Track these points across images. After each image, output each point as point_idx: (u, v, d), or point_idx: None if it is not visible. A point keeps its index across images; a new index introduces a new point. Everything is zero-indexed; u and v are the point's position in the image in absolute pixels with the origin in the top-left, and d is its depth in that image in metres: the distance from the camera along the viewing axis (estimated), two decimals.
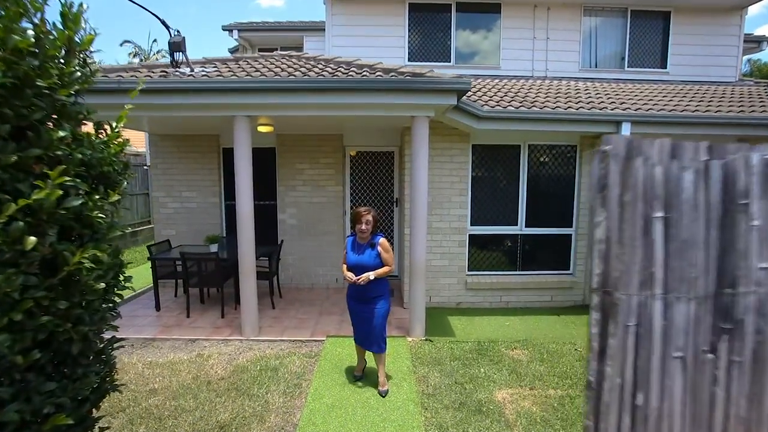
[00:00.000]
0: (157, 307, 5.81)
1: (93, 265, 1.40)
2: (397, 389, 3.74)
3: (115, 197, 1.58)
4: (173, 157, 6.92)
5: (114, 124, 1.72)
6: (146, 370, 4.08)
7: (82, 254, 1.34)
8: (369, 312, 3.58)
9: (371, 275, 3.42)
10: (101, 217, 1.48)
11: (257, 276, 5.08)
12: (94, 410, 1.72)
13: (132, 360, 4.30)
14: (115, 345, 1.80)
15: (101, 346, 1.72)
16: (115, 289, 1.70)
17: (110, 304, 1.72)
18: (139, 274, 7.64)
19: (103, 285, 1.48)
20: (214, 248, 5.80)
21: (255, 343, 4.73)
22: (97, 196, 1.49)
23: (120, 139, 1.73)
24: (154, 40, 27.33)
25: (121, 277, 1.72)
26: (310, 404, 3.48)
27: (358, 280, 3.41)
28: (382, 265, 3.50)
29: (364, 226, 3.44)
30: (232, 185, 4.75)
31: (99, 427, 1.74)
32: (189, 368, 4.11)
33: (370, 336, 3.64)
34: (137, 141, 17.12)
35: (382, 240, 3.55)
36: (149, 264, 5.77)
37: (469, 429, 3.16)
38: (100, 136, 1.74)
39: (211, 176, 6.96)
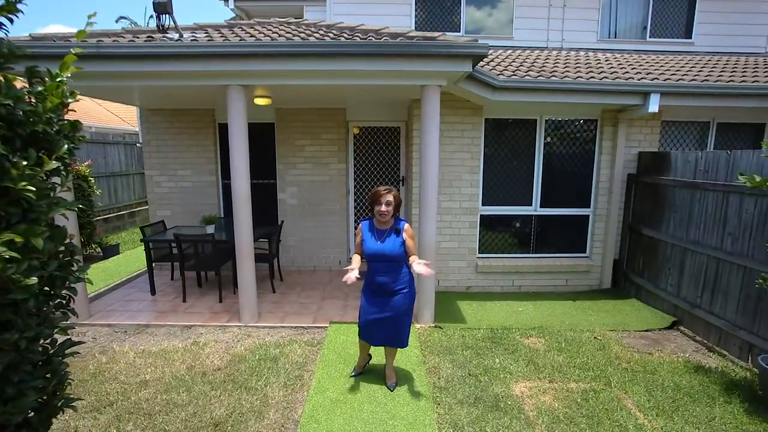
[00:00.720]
0: (153, 292, 5.54)
1: (14, 255, 1.06)
2: (406, 381, 3.46)
3: (51, 165, 1.23)
4: (167, 134, 6.54)
5: (56, 72, 1.34)
6: (138, 359, 3.82)
7: None
8: (393, 307, 3.14)
9: (423, 263, 2.87)
10: (30, 190, 1.14)
11: (257, 258, 4.78)
12: None
13: (123, 348, 4.04)
14: (68, 351, 1.48)
15: (47, 354, 1.39)
16: (67, 282, 1.37)
17: (57, 301, 1.39)
18: (137, 257, 7.38)
19: (34, 280, 1.15)
20: (210, 229, 5.48)
21: (254, 330, 4.46)
22: (25, 163, 1.15)
23: (62, 88, 1.34)
24: (150, 16, 26.45)
25: (75, 267, 1.38)
26: (313, 398, 3.21)
27: (427, 270, 2.83)
28: (406, 256, 3.08)
29: (384, 207, 3.02)
30: (228, 163, 4.38)
31: None
32: (183, 357, 3.84)
33: (392, 332, 3.22)
34: (132, 119, 16.68)
35: (407, 226, 3.14)
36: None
37: (487, 427, 2.89)
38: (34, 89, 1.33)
39: (206, 153, 6.59)
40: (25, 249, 1.11)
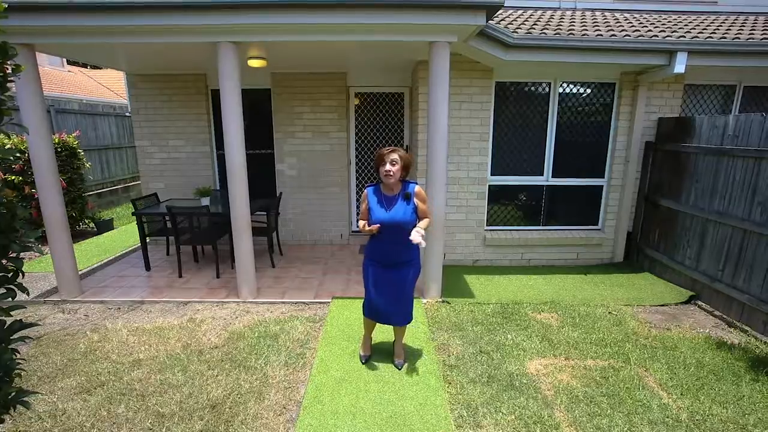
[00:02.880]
0: (147, 267, 5.32)
1: None
2: (414, 359, 3.27)
3: None
4: (156, 101, 6.16)
5: None
6: (131, 337, 3.62)
7: None
8: (398, 279, 2.91)
9: (423, 232, 2.67)
10: None
11: (255, 232, 4.53)
12: None
13: (116, 326, 3.84)
14: (16, 336, 1.22)
15: None
16: (8, 251, 1.11)
17: (1, 275, 1.12)
18: (132, 232, 7.14)
19: None
20: (205, 202, 5.22)
21: (253, 306, 4.26)
22: None
23: None
24: None
25: (18, 234, 1.11)
26: (316, 378, 3.03)
27: (421, 241, 2.61)
28: (418, 221, 2.81)
29: (388, 166, 2.69)
30: (223, 133, 4.06)
31: None
32: (179, 335, 3.64)
33: (396, 307, 2.98)
34: (123, 90, 16.11)
35: (418, 189, 2.83)
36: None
37: (503, 408, 2.71)
38: None
39: (199, 122, 6.23)
40: None
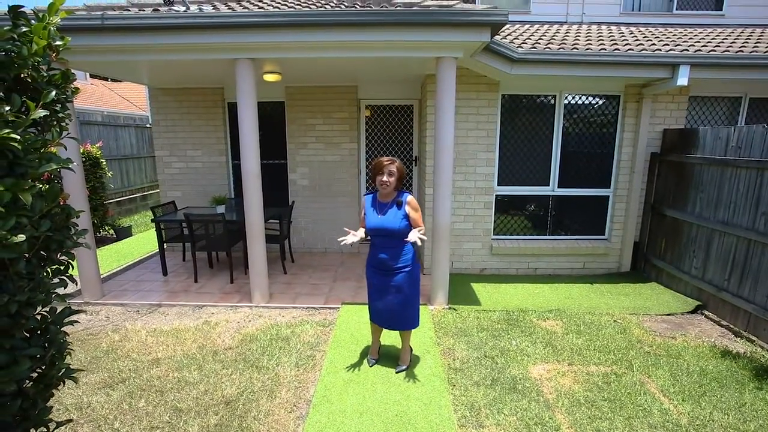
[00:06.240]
0: (164, 272, 5.53)
1: None
2: (420, 363, 3.38)
3: (39, 113, 1.12)
4: (176, 113, 6.45)
5: (43, 15, 1.21)
6: (150, 337, 3.80)
7: None
8: (394, 285, 3.01)
9: (419, 234, 2.73)
10: (14, 139, 1.03)
11: (267, 240, 4.71)
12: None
13: (136, 327, 4.02)
14: (66, 320, 1.40)
15: (46, 322, 1.31)
16: (63, 247, 1.27)
17: (56, 267, 1.30)
18: (149, 239, 7.40)
19: (22, 237, 1.05)
20: (220, 210, 5.42)
21: (265, 310, 4.42)
22: (8, 108, 1.04)
23: (49, 29, 1.19)
24: None
25: (73, 231, 1.28)
26: (325, 378, 3.15)
27: (420, 238, 2.71)
28: (410, 229, 2.89)
29: (386, 177, 2.85)
30: (239, 143, 4.27)
31: (56, 422, 1.38)
32: (195, 336, 3.81)
33: (396, 312, 3.07)
34: (143, 103, 16.68)
35: (410, 198, 2.96)
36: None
37: (505, 410, 2.80)
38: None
39: (216, 133, 6.49)
40: (13, 205, 1.02)
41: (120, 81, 17.58)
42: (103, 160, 7.50)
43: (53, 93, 1.17)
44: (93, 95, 14.92)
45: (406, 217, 2.92)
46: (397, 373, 3.24)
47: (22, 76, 1.13)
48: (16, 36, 1.14)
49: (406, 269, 3.01)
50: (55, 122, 1.25)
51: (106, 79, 18.79)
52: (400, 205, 2.93)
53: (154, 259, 6.18)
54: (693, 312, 4.50)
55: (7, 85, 1.11)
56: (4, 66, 1.08)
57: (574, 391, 3.01)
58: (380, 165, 2.89)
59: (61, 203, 1.24)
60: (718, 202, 4.34)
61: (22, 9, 1.17)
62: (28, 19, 1.18)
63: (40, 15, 1.20)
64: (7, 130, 1.00)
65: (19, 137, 1.03)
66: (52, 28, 1.20)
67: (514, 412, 2.77)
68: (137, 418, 2.70)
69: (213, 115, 6.44)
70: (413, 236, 2.74)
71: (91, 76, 16.72)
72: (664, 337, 3.90)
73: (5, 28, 1.10)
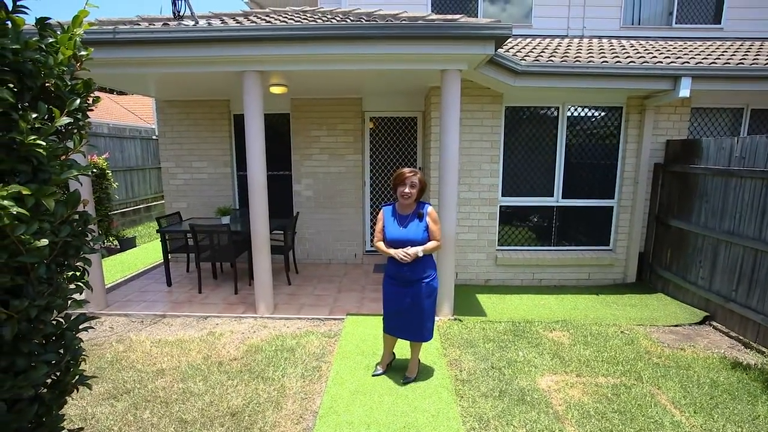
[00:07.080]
0: (169, 283, 5.52)
1: (22, 211, 0.98)
2: (427, 374, 3.35)
3: (63, 120, 1.14)
4: (182, 125, 6.53)
5: (67, 27, 1.25)
6: (154, 348, 3.78)
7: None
8: (415, 296, 3.00)
9: (420, 250, 2.87)
10: (40, 146, 1.05)
11: (272, 250, 4.71)
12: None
13: (140, 337, 4.01)
14: (82, 327, 1.40)
15: (62, 328, 1.31)
16: (80, 252, 1.29)
17: (72, 273, 1.31)
18: (154, 250, 7.41)
19: (45, 242, 1.07)
20: (225, 220, 5.45)
21: (270, 321, 4.40)
22: (35, 115, 1.06)
23: (74, 40, 1.23)
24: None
25: (89, 237, 1.30)
26: (331, 389, 3.12)
27: (405, 257, 2.85)
28: (430, 240, 2.95)
29: (408, 189, 2.86)
30: (244, 155, 4.32)
31: (68, 430, 1.37)
32: (199, 347, 3.79)
33: (415, 324, 3.07)
34: (148, 116, 16.88)
35: (430, 209, 2.99)
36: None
37: (514, 422, 2.76)
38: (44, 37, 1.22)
39: (221, 145, 6.55)
40: (36, 210, 1.03)
41: (126, 94, 17.83)
42: (109, 172, 7.56)
43: (77, 101, 1.20)
44: (99, 107, 15.06)
45: (427, 228, 2.95)
46: (403, 384, 3.21)
47: (46, 84, 1.16)
48: (43, 46, 1.18)
49: (427, 280, 3.01)
50: (75, 130, 1.28)
51: (112, 91, 19.06)
52: (421, 217, 2.95)
53: (158, 270, 6.17)
54: (701, 323, 4.46)
55: (33, 93, 1.14)
56: (32, 75, 1.11)
57: (583, 403, 2.97)
58: (402, 176, 2.90)
59: (81, 209, 1.26)
60: (724, 212, 4.34)
61: (48, 21, 1.21)
62: (54, 31, 1.22)
63: (65, 27, 1.25)
64: (33, 137, 1.03)
65: (44, 144, 1.05)
66: (77, 39, 1.24)
67: (523, 424, 2.73)
68: (142, 429, 2.67)
69: (219, 126, 6.51)
70: (399, 253, 2.87)
71: (98, 89, 16.95)
72: (672, 348, 3.86)
73: (33, 39, 1.14)
